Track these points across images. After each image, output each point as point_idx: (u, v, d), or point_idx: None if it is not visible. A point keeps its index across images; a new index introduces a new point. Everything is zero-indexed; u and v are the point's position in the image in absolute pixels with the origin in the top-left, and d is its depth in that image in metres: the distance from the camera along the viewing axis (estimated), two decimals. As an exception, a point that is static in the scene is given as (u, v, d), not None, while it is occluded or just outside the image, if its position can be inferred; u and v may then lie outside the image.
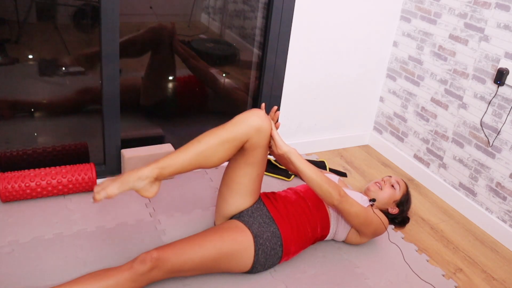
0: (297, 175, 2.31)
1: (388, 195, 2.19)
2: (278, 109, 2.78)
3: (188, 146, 1.71)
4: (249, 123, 1.76)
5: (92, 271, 1.84)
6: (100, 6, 2.08)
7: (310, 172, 1.84)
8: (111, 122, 2.35)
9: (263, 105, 1.91)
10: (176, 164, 1.68)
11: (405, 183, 2.28)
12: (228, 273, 1.91)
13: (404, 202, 2.24)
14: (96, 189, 1.60)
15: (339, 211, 1.93)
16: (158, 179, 1.68)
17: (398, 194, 2.21)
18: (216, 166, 1.77)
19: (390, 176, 2.27)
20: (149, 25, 2.37)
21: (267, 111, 2.82)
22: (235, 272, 1.87)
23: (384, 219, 2.10)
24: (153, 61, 2.48)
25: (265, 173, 2.68)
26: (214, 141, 1.72)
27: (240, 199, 1.92)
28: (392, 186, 2.22)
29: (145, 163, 2.38)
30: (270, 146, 1.91)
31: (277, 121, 1.94)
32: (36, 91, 2.23)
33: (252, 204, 1.95)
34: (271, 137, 1.84)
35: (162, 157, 1.67)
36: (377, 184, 2.22)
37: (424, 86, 2.78)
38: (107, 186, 1.60)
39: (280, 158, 1.95)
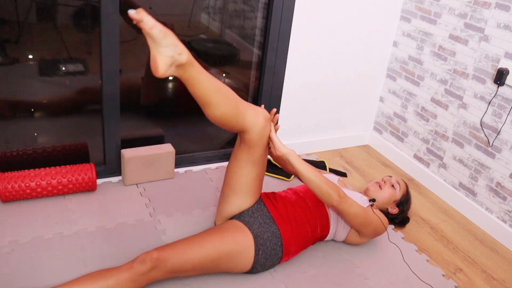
0: (296, 175, 2.32)
1: (388, 195, 2.19)
2: (278, 112, 2.77)
3: (217, 80, 1.68)
4: (256, 118, 1.77)
5: (92, 271, 1.84)
6: (100, 6, 2.08)
7: (309, 173, 1.84)
8: (111, 122, 2.35)
9: (262, 106, 1.91)
10: (201, 75, 1.63)
11: (405, 183, 2.28)
12: (228, 273, 1.91)
13: (404, 202, 2.24)
14: (143, 12, 1.46)
15: (339, 212, 1.93)
16: (182, 66, 1.58)
17: (398, 194, 2.21)
18: (211, 116, 1.72)
19: (391, 176, 2.27)
20: None
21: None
22: (235, 272, 1.87)
23: (384, 219, 2.10)
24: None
25: (265, 173, 2.68)
26: (233, 99, 1.71)
27: (241, 198, 1.92)
28: (392, 186, 2.22)
29: (145, 163, 2.38)
30: (269, 148, 1.91)
31: (277, 123, 1.94)
32: (36, 91, 2.23)
33: (253, 204, 1.95)
34: (269, 138, 1.85)
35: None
36: (377, 183, 2.22)
37: (424, 86, 2.78)
38: (152, 20, 1.48)
39: (279, 159, 1.96)
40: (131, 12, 1.46)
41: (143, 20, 1.46)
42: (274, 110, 1.92)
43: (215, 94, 1.67)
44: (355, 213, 1.94)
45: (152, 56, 1.53)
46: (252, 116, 1.77)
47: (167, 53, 1.53)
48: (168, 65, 1.55)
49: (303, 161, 1.86)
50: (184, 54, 1.57)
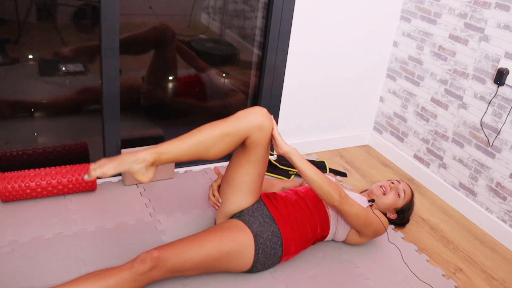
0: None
1: (390, 201, 2.16)
2: (278, 112, 2.77)
3: (188, 135, 1.72)
4: (251, 119, 1.77)
5: (92, 271, 1.84)
6: (100, 6, 2.08)
7: (311, 172, 1.84)
8: (111, 122, 2.35)
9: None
10: (174, 150, 1.68)
11: (411, 192, 2.22)
12: (228, 272, 1.91)
13: (405, 210, 2.22)
14: (92, 166, 1.59)
15: (339, 212, 1.93)
16: (154, 164, 1.67)
17: (400, 203, 2.18)
18: (214, 158, 1.76)
19: (399, 182, 2.21)
20: (152, 25, 2.37)
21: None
22: (235, 271, 1.87)
23: (384, 219, 2.10)
24: (155, 61, 2.48)
25: (266, 173, 2.68)
26: (215, 132, 1.73)
27: (242, 197, 1.92)
28: (398, 194, 2.17)
29: (145, 163, 2.38)
30: (272, 145, 1.91)
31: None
32: (36, 91, 2.23)
33: (253, 203, 1.95)
34: (272, 136, 1.85)
35: (162, 143, 1.69)
36: (382, 188, 2.17)
37: (424, 86, 2.78)
38: (103, 165, 1.59)
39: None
40: (86, 178, 1.61)
41: (98, 175, 1.59)
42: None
43: (200, 146, 1.71)
44: (356, 214, 1.94)
45: (135, 178, 1.66)
46: (248, 118, 1.76)
47: (136, 169, 1.64)
48: (146, 173, 1.66)
49: (305, 159, 1.86)
50: (146, 158, 1.64)
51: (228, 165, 1.94)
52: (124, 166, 1.62)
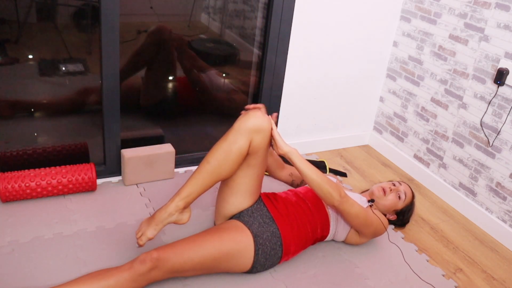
0: (287, 183, 2.33)
1: (389, 203, 2.15)
2: (278, 111, 2.77)
3: (200, 169, 1.79)
4: (248, 126, 1.78)
5: (92, 271, 1.84)
6: (100, 6, 2.08)
7: (311, 172, 1.84)
8: (111, 122, 2.35)
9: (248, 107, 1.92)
10: (195, 190, 1.78)
11: (412, 194, 2.22)
12: (228, 273, 1.91)
13: (404, 212, 2.21)
14: (137, 234, 1.74)
15: (339, 212, 1.93)
16: (186, 206, 1.79)
17: (400, 205, 2.17)
18: (231, 175, 1.85)
19: (400, 184, 2.20)
20: (148, 31, 2.37)
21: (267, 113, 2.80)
22: (235, 272, 1.87)
23: (384, 219, 2.10)
24: (152, 62, 2.48)
25: (266, 173, 2.68)
26: (221, 156, 1.78)
27: (241, 198, 1.92)
28: (398, 196, 2.16)
29: (145, 163, 2.38)
30: (272, 145, 1.92)
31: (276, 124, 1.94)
32: (36, 91, 2.23)
33: (252, 204, 1.95)
34: (272, 137, 1.85)
35: (181, 187, 1.81)
36: (382, 189, 2.17)
37: (424, 86, 2.78)
38: (145, 231, 1.74)
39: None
40: (136, 246, 1.88)
41: (144, 243, 1.76)
42: (275, 115, 1.92)
43: (214, 175, 1.79)
44: (356, 213, 1.93)
45: (176, 224, 1.86)
46: (244, 134, 1.79)
47: (174, 219, 1.79)
48: (183, 217, 1.82)
49: (305, 160, 1.86)
50: (178, 207, 1.77)
51: None
52: (162, 224, 1.75)
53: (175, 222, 1.79)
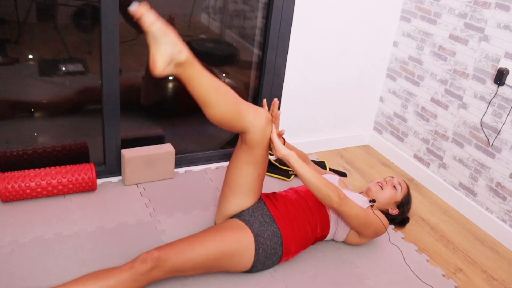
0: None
1: (389, 195, 2.18)
2: (279, 108, 2.77)
3: (213, 77, 1.67)
4: (257, 117, 1.76)
5: (92, 271, 1.84)
6: (100, 6, 2.08)
7: (309, 175, 1.84)
8: (111, 122, 2.35)
9: (264, 101, 1.90)
10: (200, 75, 1.63)
11: (406, 184, 2.27)
12: (228, 272, 1.91)
13: (404, 204, 2.24)
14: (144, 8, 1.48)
15: (339, 214, 1.93)
16: (180, 65, 1.58)
17: (399, 195, 2.20)
18: (212, 115, 1.71)
19: (392, 177, 2.26)
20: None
21: (268, 106, 2.78)
22: (235, 271, 1.87)
23: (384, 220, 2.10)
24: None
25: (266, 173, 2.68)
26: (231, 95, 1.70)
27: (242, 198, 1.92)
28: (394, 187, 2.21)
29: (145, 163, 2.38)
30: (271, 148, 1.92)
31: (279, 122, 1.93)
32: (36, 91, 2.23)
33: (254, 204, 1.95)
34: (270, 140, 1.85)
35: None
36: (379, 184, 2.22)
37: (424, 86, 2.78)
38: (149, 12, 1.50)
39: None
40: (132, 8, 1.46)
41: (143, 16, 1.47)
42: (276, 101, 1.87)
43: (214, 93, 1.67)
44: (356, 215, 1.94)
45: (151, 53, 1.52)
46: (253, 117, 1.77)
47: (166, 51, 1.53)
48: (166, 63, 1.55)
49: (303, 163, 1.86)
50: (183, 53, 1.57)
51: (228, 167, 1.94)
52: (164, 33, 1.51)
53: (157, 50, 1.52)
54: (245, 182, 1.89)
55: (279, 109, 2.77)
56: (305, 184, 1.87)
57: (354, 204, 1.93)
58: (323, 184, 1.85)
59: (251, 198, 1.93)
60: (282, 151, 1.84)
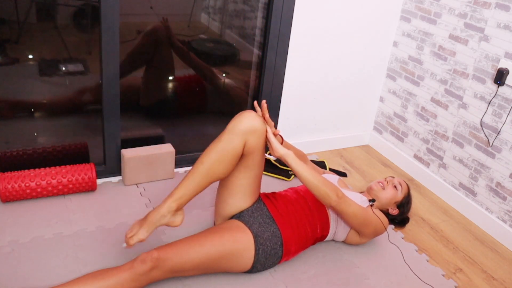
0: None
1: (390, 195, 2.18)
2: (278, 111, 2.77)
3: (193, 170, 1.77)
4: (241, 127, 1.77)
5: (92, 271, 1.84)
6: (100, 6, 2.08)
7: (307, 174, 1.84)
8: (111, 122, 2.35)
9: (255, 103, 1.91)
10: (188, 191, 1.76)
11: (407, 185, 2.27)
12: (228, 273, 1.91)
13: (404, 204, 2.24)
14: (128, 234, 1.71)
15: (338, 212, 1.93)
16: (179, 208, 1.77)
17: (399, 195, 2.20)
18: (226, 175, 1.82)
19: (393, 177, 2.26)
20: (144, 31, 2.37)
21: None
22: (235, 271, 1.87)
23: (384, 219, 2.10)
24: (151, 61, 2.48)
25: (265, 173, 2.68)
26: (215, 157, 1.76)
27: (240, 199, 1.92)
28: (395, 187, 2.21)
29: (145, 163, 2.38)
30: (267, 147, 1.92)
31: (271, 122, 1.94)
32: (36, 91, 2.23)
33: (252, 204, 1.95)
34: (266, 139, 1.84)
35: (175, 188, 1.79)
36: (380, 183, 2.21)
37: (424, 86, 2.78)
38: (137, 232, 1.72)
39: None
40: (124, 246, 1.75)
41: (135, 244, 1.74)
42: (263, 102, 1.88)
43: (207, 176, 1.77)
44: (354, 213, 1.94)
45: (168, 226, 1.79)
46: (239, 135, 1.77)
47: (166, 220, 1.77)
48: (176, 219, 1.80)
49: (301, 162, 1.86)
50: (171, 209, 1.75)
51: None
52: (154, 225, 1.73)
53: (167, 224, 1.77)
54: (243, 184, 1.89)
55: (278, 112, 2.77)
56: (303, 183, 1.86)
57: (353, 203, 1.93)
58: (321, 182, 1.85)
59: (249, 199, 1.93)
60: (279, 150, 1.83)
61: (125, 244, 1.74)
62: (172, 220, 1.77)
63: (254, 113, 1.82)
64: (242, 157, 1.84)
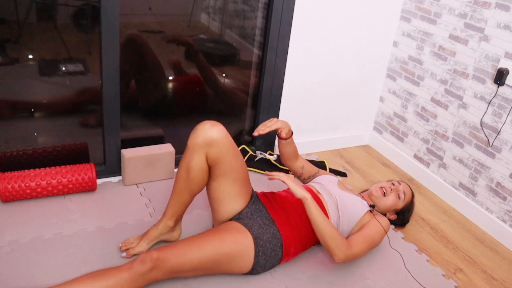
0: (295, 174, 2.32)
1: (390, 203, 2.15)
2: (278, 111, 2.77)
3: (174, 189, 1.90)
4: (197, 143, 1.80)
5: (92, 271, 1.84)
6: (100, 6, 2.08)
7: (321, 223, 1.85)
8: (111, 122, 2.35)
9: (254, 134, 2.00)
10: (178, 208, 1.91)
11: (412, 192, 2.22)
12: (228, 273, 1.91)
13: (404, 212, 2.21)
14: (126, 246, 1.91)
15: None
16: (176, 224, 1.95)
17: (400, 204, 2.17)
18: (203, 187, 1.90)
19: (400, 183, 2.19)
20: (121, 42, 2.29)
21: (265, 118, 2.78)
22: (235, 273, 1.87)
23: (385, 224, 2.07)
24: (139, 69, 2.45)
25: (252, 169, 2.67)
26: (185, 175, 1.85)
27: (230, 205, 1.92)
28: (398, 196, 2.16)
29: (145, 163, 2.38)
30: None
31: (268, 130, 2.00)
32: (36, 91, 2.23)
33: (247, 203, 1.95)
34: (284, 183, 1.89)
35: (166, 206, 1.92)
36: (382, 189, 2.15)
37: (424, 86, 2.78)
38: (136, 245, 1.91)
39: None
40: (123, 256, 1.91)
41: (131, 253, 1.93)
42: (258, 130, 1.99)
43: (184, 190, 1.88)
44: (363, 253, 1.97)
45: (168, 241, 1.99)
46: (197, 150, 1.80)
47: (166, 236, 1.98)
48: (175, 234, 2.00)
49: (318, 207, 1.87)
50: (168, 225, 1.94)
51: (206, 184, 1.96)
52: (154, 241, 1.94)
53: (166, 240, 1.95)
54: (224, 190, 1.90)
55: (278, 112, 2.77)
56: (315, 229, 1.88)
57: (359, 249, 1.93)
58: (332, 236, 1.85)
59: (240, 200, 1.93)
60: (298, 193, 1.86)
61: (124, 253, 1.87)
62: (171, 236, 1.97)
63: (210, 123, 1.81)
64: (211, 168, 1.85)
